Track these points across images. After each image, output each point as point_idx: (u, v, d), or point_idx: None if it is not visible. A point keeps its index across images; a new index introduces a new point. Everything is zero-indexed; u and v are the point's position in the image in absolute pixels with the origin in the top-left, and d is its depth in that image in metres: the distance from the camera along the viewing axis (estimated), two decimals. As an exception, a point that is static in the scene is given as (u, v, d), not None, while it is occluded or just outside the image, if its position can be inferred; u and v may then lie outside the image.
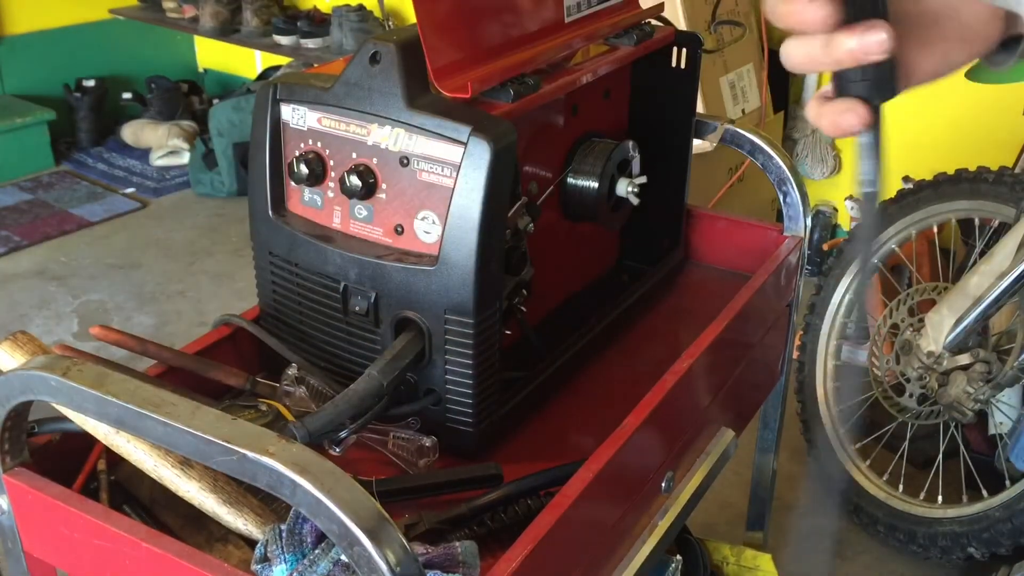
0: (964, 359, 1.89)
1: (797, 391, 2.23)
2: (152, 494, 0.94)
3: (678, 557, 1.26)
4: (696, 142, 1.39)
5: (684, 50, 1.31)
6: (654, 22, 1.30)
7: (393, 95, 0.96)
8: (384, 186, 1.00)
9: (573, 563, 0.90)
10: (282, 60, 3.92)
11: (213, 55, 4.51)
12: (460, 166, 0.94)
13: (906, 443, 2.09)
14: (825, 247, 3.03)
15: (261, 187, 1.07)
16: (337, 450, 0.98)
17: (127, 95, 4.21)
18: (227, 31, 3.88)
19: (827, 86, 0.61)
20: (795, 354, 2.23)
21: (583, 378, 1.20)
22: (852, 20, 0.56)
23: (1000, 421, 2.04)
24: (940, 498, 2.01)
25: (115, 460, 0.93)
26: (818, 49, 0.57)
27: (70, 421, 0.91)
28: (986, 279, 1.76)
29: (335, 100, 1.00)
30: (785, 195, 1.37)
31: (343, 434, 0.97)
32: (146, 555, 0.80)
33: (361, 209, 1.02)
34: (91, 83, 4.13)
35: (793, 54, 0.58)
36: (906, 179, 2.46)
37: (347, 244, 1.03)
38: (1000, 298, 1.77)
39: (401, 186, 0.99)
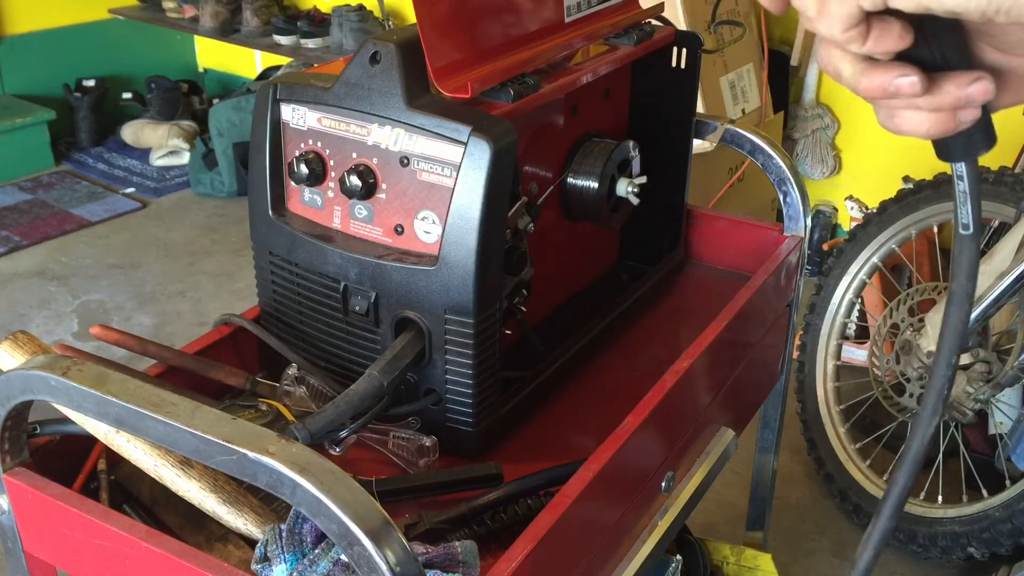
0: (964, 359, 1.89)
1: (797, 391, 2.23)
2: (152, 494, 0.94)
3: (678, 557, 1.26)
4: (696, 142, 1.39)
5: (684, 50, 1.31)
6: (654, 22, 1.30)
7: (393, 95, 0.96)
8: (384, 186, 1.00)
9: (573, 563, 0.90)
10: (282, 60, 3.93)
11: (213, 55, 4.52)
12: (460, 166, 0.94)
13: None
14: (825, 247, 3.03)
15: (261, 187, 1.07)
16: (337, 450, 0.98)
17: (127, 95, 4.21)
18: (227, 31, 3.89)
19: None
20: (795, 354, 2.23)
21: (583, 378, 1.20)
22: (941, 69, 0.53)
23: (1000, 421, 2.04)
24: (940, 498, 2.01)
25: (115, 460, 0.94)
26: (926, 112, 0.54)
27: (72, 422, 0.91)
28: (986, 279, 1.76)
29: (335, 100, 1.00)
30: (785, 195, 1.37)
31: (343, 434, 0.97)
32: (146, 555, 0.80)
33: (361, 209, 1.02)
34: (91, 83, 4.13)
35: (910, 128, 0.55)
36: (906, 179, 2.46)
37: (347, 244, 1.03)
38: (1000, 298, 1.77)
39: (401, 186, 0.99)
